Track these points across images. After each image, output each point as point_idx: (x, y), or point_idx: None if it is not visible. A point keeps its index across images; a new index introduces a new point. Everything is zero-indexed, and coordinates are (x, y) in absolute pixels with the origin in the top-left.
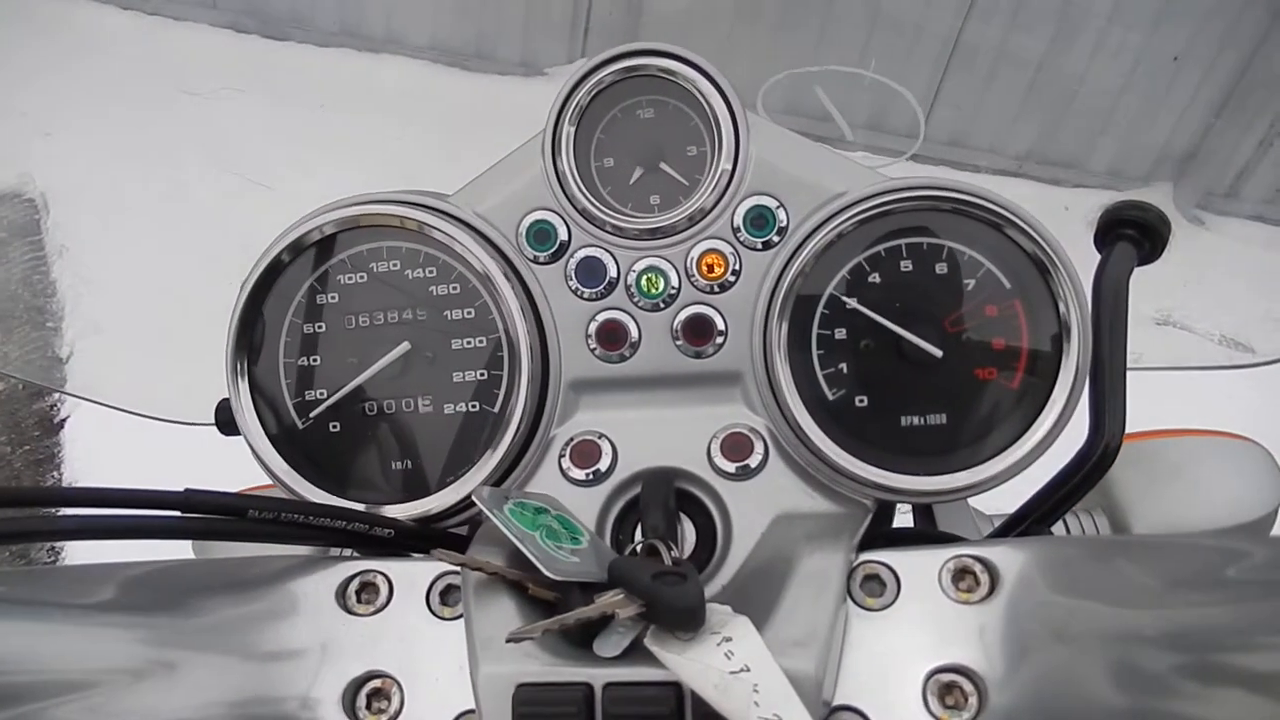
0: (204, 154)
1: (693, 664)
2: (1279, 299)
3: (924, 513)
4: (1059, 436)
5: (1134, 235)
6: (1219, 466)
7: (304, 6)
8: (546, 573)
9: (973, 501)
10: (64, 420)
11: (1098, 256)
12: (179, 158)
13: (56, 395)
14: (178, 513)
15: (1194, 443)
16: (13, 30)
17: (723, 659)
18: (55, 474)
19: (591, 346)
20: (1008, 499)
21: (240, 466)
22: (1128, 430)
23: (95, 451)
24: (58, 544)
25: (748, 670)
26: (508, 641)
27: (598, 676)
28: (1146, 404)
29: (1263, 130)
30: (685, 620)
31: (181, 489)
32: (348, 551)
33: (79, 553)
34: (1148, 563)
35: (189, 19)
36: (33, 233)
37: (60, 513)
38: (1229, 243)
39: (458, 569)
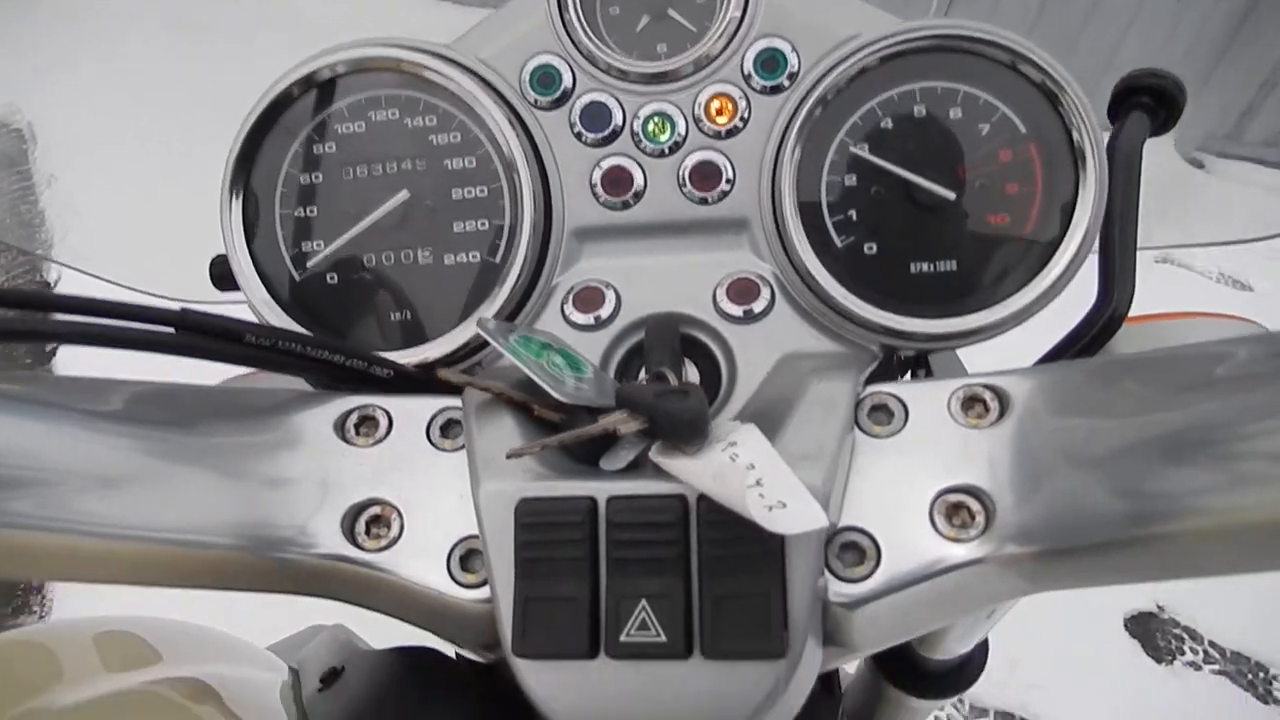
0: (190, 89)
1: (693, 462)
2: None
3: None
4: (1071, 280)
5: (1148, 103)
6: None
7: None
8: (554, 394)
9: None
10: (55, 350)
11: None
12: (166, 91)
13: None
14: (173, 330)
15: (1194, 324)
16: None
17: (727, 461)
18: None
19: (596, 193)
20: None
21: None
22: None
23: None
24: None
25: (753, 468)
26: (508, 457)
27: (601, 490)
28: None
29: (1266, 71)
30: (688, 431)
31: (179, 306)
32: None
33: None
34: (1153, 376)
35: None
36: (20, 163)
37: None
38: (1229, 185)
39: (458, 405)
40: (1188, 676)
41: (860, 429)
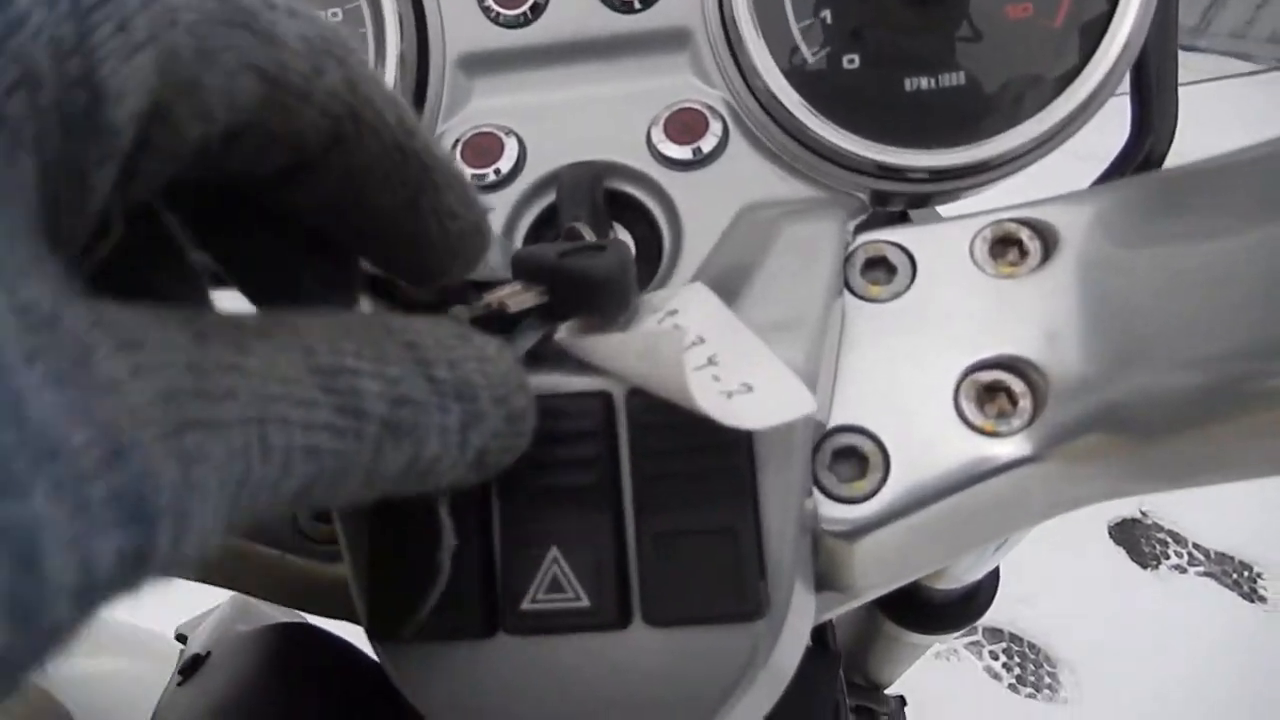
0: None
1: (612, 340)
2: (1248, 133)
3: None
4: (1112, 93)
5: None
6: None
7: None
8: None
9: None
10: None
11: None
12: None
13: None
14: None
15: None
16: None
17: (662, 333)
18: None
19: (485, 6)
20: None
21: None
22: None
23: None
24: None
25: (702, 341)
26: None
27: None
28: None
29: None
30: (603, 296)
31: None
32: None
33: None
34: (1230, 186)
35: None
36: None
37: None
38: (1199, 78)
39: None
40: (1174, 580)
41: (852, 291)
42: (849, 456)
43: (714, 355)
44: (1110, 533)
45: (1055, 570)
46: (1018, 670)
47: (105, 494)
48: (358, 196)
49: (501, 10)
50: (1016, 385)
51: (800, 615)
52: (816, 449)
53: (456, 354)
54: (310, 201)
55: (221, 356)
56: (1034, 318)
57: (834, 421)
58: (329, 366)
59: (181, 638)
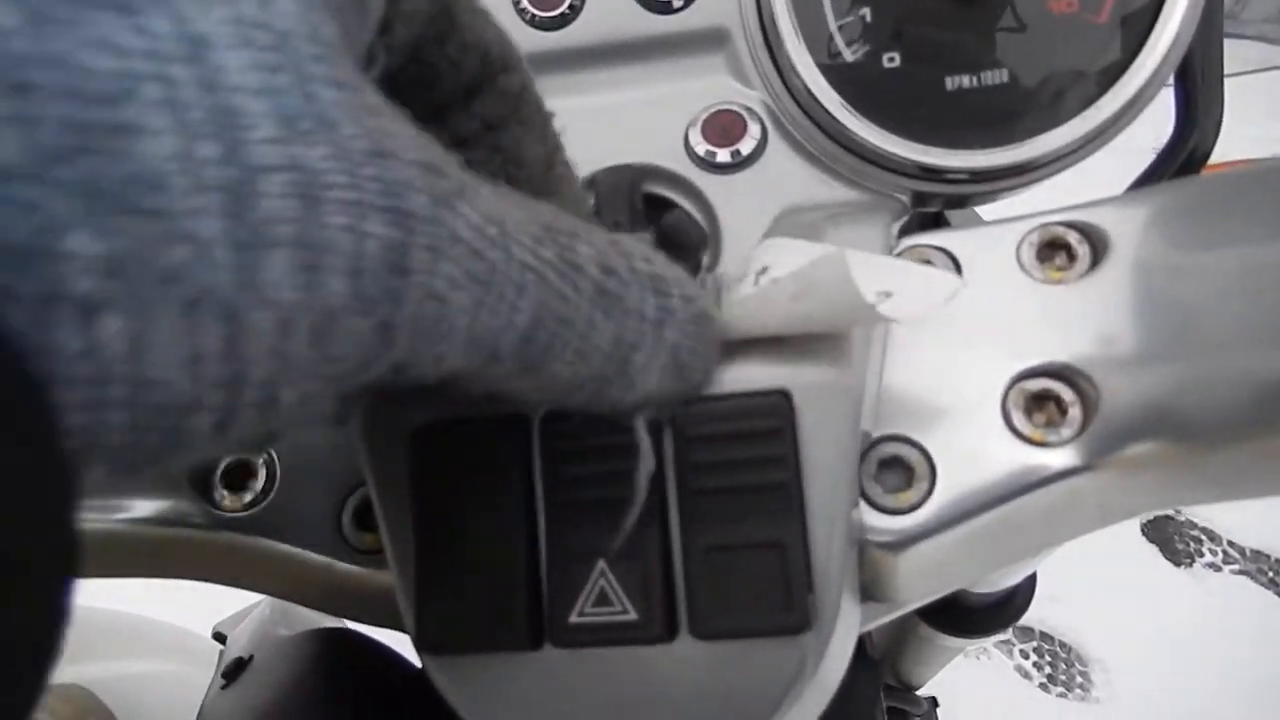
0: None
1: (741, 304)
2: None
3: None
4: (1160, 89)
5: None
6: None
7: None
8: None
9: None
10: None
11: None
12: None
13: None
14: None
15: None
16: None
17: (783, 280)
18: None
19: (520, 8)
20: None
21: None
22: None
23: None
24: None
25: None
26: None
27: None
28: None
29: None
30: (683, 239)
31: None
32: None
33: None
34: None
35: None
36: None
37: None
38: (1232, 64)
39: None
40: (1207, 578)
41: None
42: (894, 466)
43: (835, 272)
44: (1143, 530)
45: (1087, 568)
46: (1048, 669)
47: (371, 178)
48: (519, 125)
49: (537, 12)
50: (1066, 394)
51: (847, 627)
52: (862, 458)
53: (650, 254)
54: (487, 119)
55: (466, 173)
56: (1084, 324)
57: (879, 430)
58: (551, 224)
59: (219, 636)
